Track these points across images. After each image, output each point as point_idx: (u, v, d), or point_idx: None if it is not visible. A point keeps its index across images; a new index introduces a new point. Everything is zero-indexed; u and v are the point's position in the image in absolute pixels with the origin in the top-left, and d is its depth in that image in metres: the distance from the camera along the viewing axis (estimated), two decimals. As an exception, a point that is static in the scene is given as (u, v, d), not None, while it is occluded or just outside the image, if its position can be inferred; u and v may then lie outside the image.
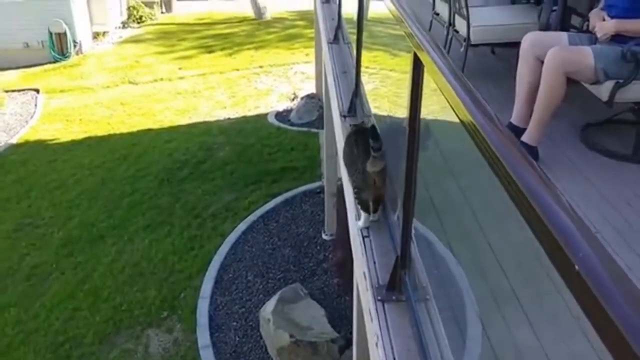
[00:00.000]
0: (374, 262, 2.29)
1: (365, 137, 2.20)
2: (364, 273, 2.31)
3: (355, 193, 2.37)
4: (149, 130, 9.67)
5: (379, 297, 2.09)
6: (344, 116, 3.55)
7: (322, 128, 7.36)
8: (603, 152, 3.13)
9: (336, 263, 6.11)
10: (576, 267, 0.68)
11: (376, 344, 1.97)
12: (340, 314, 5.55)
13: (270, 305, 5.48)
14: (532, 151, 2.99)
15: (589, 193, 2.79)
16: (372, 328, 2.04)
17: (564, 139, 3.29)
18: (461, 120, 1.19)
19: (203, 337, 5.48)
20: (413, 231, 2.05)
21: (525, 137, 3.01)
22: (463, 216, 3.18)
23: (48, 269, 6.58)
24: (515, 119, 3.21)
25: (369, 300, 2.16)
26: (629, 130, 3.19)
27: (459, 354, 2.64)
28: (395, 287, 2.10)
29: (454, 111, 1.23)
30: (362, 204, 2.36)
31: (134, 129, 9.78)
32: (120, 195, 7.82)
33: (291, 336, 5.06)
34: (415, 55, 1.68)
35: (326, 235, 6.72)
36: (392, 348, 1.86)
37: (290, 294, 5.66)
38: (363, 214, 2.38)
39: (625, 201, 2.70)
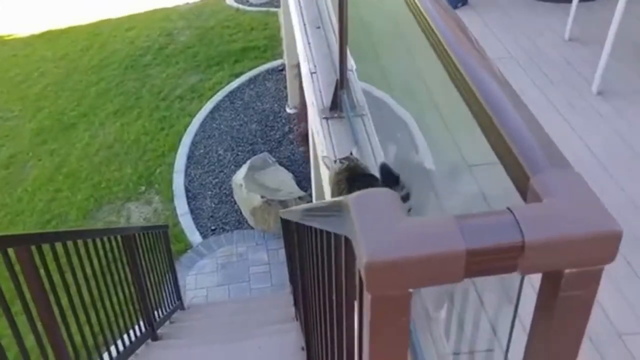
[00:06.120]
0: (320, 92, 2.62)
1: (366, 179, 1.59)
2: (312, 102, 2.65)
3: None
4: (109, 20, 9.61)
5: (324, 116, 2.44)
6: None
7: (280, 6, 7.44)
8: (528, -7, 3.43)
9: (300, 133, 6.45)
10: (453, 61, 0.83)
11: (322, 151, 2.34)
12: (307, 177, 5.95)
13: (241, 172, 5.86)
14: (462, -6, 3.29)
15: (510, 26, 3.13)
16: (319, 140, 2.41)
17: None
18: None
19: (181, 205, 5.89)
20: (349, 54, 2.36)
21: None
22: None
23: (25, 157, 6.85)
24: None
25: (316, 121, 2.51)
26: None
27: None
28: (336, 106, 2.45)
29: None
30: None
31: (93, 20, 9.70)
32: (87, 85, 7.95)
33: (262, 197, 5.48)
34: None
35: (290, 109, 7.02)
36: (333, 149, 2.23)
37: (259, 162, 6.04)
38: None
39: (538, 31, 3.04)
